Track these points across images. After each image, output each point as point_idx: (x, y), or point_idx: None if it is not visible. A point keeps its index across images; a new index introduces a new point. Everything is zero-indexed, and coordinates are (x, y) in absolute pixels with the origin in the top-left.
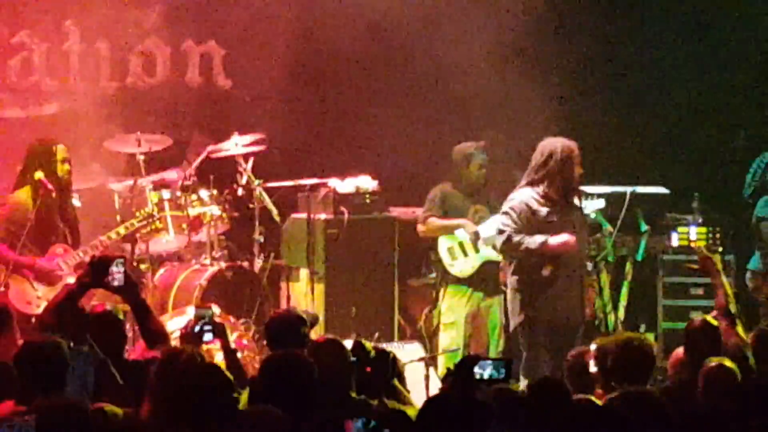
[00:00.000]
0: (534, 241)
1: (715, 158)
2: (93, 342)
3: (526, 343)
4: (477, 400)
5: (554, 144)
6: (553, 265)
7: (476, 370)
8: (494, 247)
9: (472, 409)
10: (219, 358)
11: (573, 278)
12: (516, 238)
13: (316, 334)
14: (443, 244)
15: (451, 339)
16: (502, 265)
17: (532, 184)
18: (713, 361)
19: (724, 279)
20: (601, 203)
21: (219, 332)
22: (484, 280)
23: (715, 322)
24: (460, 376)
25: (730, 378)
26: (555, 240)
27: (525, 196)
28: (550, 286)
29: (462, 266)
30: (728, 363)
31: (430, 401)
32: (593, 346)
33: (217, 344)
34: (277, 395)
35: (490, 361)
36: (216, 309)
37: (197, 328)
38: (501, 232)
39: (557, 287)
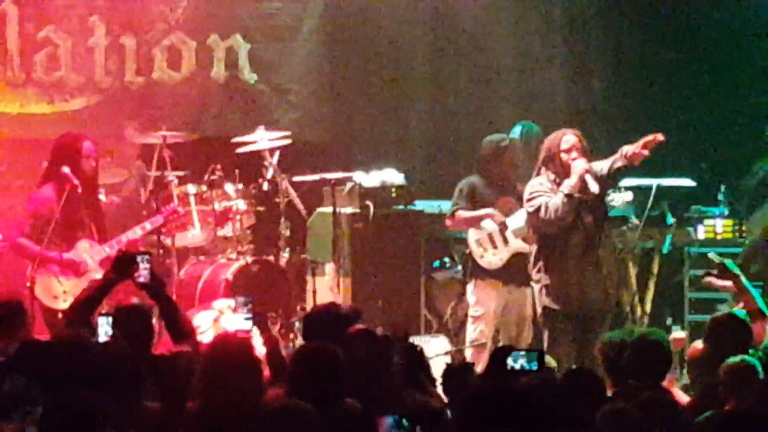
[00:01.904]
0: (562, 191)
1: (742, 150)
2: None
3: (546, 333)
4: (514, 390)
5: (549, 136)
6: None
7: (509, 361)
8: (537, 223)
9: (510, 399)
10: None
11: (586, 265)
12: (554, 198)
13: None
14: (472, 236)
15: (479, 332)
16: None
17: (537, 174)
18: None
19: (745, 282)
20: (629, 195)
21: (260, 323)
22: (514, 272)
23: (743, 315)
24: (493, 367)
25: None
26: (569, 180)
27: (539, 180)
28: (563, 274)
29: (491, 258)
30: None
31: (469, 394)
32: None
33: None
34: (308, 387)
35: (522, 352)
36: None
37: (238, 314)
38: (539, 207)
39: (570, 276)
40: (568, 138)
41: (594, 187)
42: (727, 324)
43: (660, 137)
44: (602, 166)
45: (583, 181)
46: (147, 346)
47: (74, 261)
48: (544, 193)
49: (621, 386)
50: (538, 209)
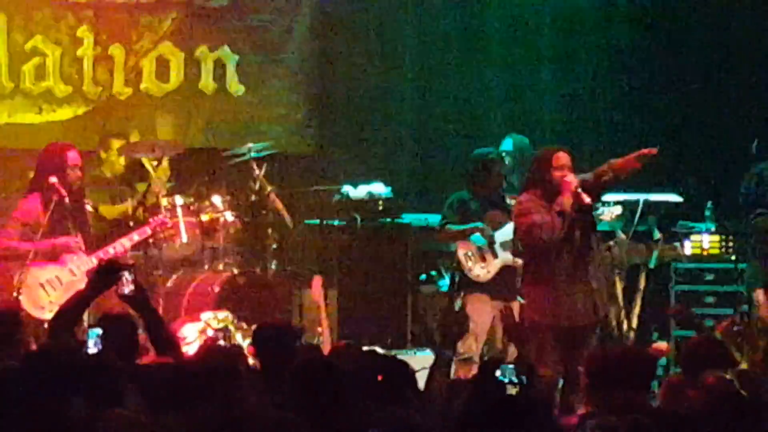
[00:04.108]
0: (555, 209)
1: (728, 166)
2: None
3: (533, 347)
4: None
5: (539, 151)
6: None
7: (498, 374)
8: (530, 240)
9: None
10: None
11: (575, 279)
12: (547, 217)
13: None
14: (461, 249)
15: (468, 347)
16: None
17: (524, 190)
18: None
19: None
20: (618, 209)
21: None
22: (503, 286)
23: (718, 337)
24: (483, 379)
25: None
26: (562, 198)
27: (528, 197)
28: (552, 288)
29: (480, 271)
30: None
31: (469, 406)
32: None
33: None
34: (303, 401)
35: (511, 366)
36: (228, 315)
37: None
38: (531, 225)
39: (559, 290)
40: (560, 155)
41: (587, 199)
42: (703, 346)
43: (654, 151)
44: (587, 178)
45: (576, 197)
46: (132, 355)
47: (66, 245)
48: (535, 210)
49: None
50: (531, 227)
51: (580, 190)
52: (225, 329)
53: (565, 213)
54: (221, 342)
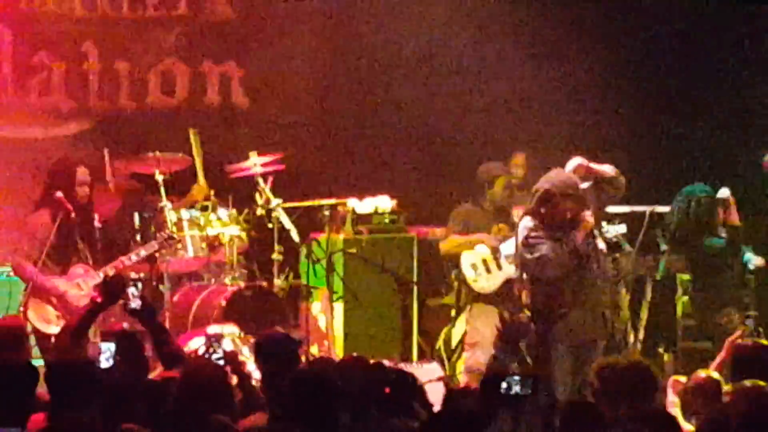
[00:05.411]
0: (567, 245)
1: (735, 178)
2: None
3: (542, 362)
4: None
5: (541, 182)
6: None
7: (503, 385)
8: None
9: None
10: None
11: (583, 294)
12: (557, 250)
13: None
14: (466, 259)
15: (475, 359)
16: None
17: (527, 213)
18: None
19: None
20: (623, 228)
21: (230, 359)
22: (508, 298)
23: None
24: (486, 390)
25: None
26: (576, 234)
27: (532, 224)
28: (562, 306)
29: (485, 283)
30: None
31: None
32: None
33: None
34: (302, 412)
35: (517, 377)
36: (235, 329)
37: (208, 353)
38: (540, 259)
39: (568, 306)
40: (572, 188)
41: (602, 244)
42: (753, 352)
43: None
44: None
45: (589, 235)
46: (139, 370)
47: (71, 304)
48: (542, 240)
49: (630, 410)
50: (539, 261)
51: (596, 230)
52: (217, 338)
53: (577, 250)
54: (209, 352)
